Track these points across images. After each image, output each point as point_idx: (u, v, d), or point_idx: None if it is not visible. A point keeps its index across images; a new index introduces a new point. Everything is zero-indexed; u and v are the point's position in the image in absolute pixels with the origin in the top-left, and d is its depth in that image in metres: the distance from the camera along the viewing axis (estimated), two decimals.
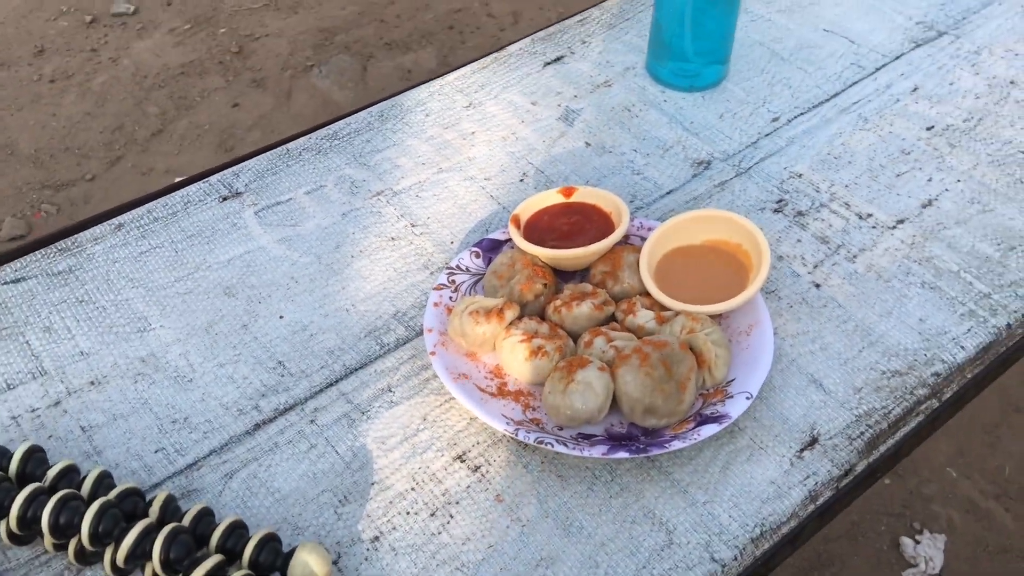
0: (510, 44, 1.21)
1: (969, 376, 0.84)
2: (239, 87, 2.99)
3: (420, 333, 0.87)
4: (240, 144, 2.78)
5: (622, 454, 0.74)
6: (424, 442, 0.80)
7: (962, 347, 0.85)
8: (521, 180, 1.02)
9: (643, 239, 0.92)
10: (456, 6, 3.25)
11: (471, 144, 1.07)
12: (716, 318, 0.84)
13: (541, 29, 1.24)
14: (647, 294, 0.85)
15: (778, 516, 0.75)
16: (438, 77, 1.16)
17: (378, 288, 0.92)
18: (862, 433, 0.80)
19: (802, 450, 0.78)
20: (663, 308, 0.84)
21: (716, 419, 0.76)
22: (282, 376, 0.85)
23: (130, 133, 2.87)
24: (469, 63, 1.18)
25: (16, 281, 0.93)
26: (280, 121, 2.83)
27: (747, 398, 0.77)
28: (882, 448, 0.79)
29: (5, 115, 2.95)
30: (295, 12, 3.29)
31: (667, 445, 0.74)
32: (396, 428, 0.81)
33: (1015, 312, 0.88)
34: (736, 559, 0.72)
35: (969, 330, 0.87)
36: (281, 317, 0.90)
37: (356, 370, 0.85)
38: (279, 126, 2.81)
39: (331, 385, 0.84)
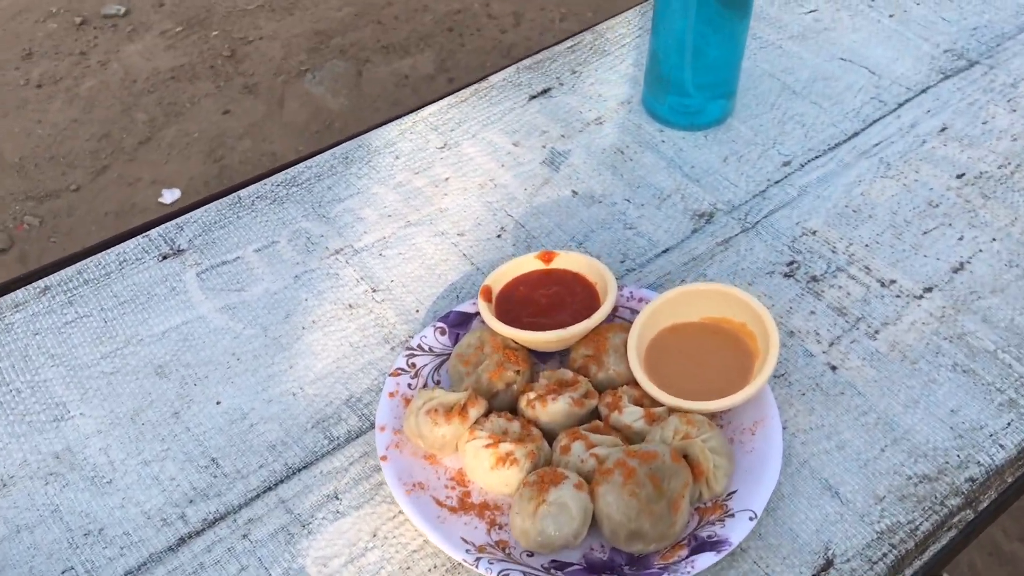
0: (492, 74, 1.09)
1: (1010, 480, 0.73)
2: (230, 93, 2.88)
3: (374, 425, 0.76)
4: (230, 153, 2.68)
5: None
6: (373, 565, 0.68)
7: (1001, 445, 0.74)
8: (499, 236, 0.91)
9: (633, 312, 0.80)
10: (455, 7, 3.12)
11: (444, 192, 0.95)
12: (716, 415, 0.72)
13: (533, 53, 1.12)
14: (636, 383, 0.73)
15: None
16: (411, 112, 1.05)
17: (330, 367, 0.81)
18: (885, 555, 0.68)
19: (816, 575, 0.67)
20: (653, 402, 0.72)
21: (714, 545, 0.64)
22: (215, 477, 0.74)
23: (117, 141, 2.77)
24: (447, 96, 1.07)
25: None
26: (272, 129, 2.72)
27: (751, 518, 0.66)
28: (908, 572, 0.68)
29: None
30: (290, 13, 3.17)
31: None
32: (341, 546, 0.70)
33: None
34: None
35: (1009, 424, 0.75)
36: (218, 403, 0.79)
37: (299, 471, 0.74)
38: (270, 135, 2.70)
39: (269, 490, 0.73)
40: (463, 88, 1.08)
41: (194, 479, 0.74)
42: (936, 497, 0.71)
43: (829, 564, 0.68)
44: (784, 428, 0.75)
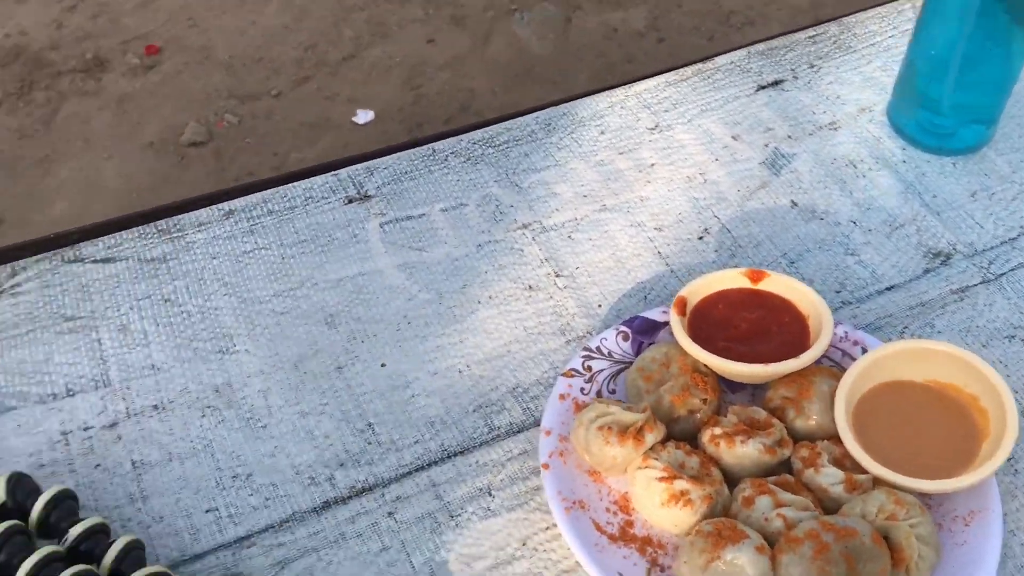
0: (719, 55, 1.00)
1: None
2: (437, 22, 2.86)
3: (538, 422, 0.71)
4: (428, 83, 2.67)
5: None
6: (521, 572, 0.64)
7: None
8: (700, 238, 0.83)
9: (844, 355, 0.71)
10: None
11: (647, 179, 0.88)
12: (926, 497, 0.63)
13: (767, 38, 1.02)
14: (839, 440, 0.65)
15: None
16: (622, 85, 0.97)
17: (500, 349, 0.76)
18: None
19: None
20: (857, 466, 0.64)
21: None
22: (368, 443, 0.71)
23: (322, 53, 2.80)
24: (665, 71, 0.98)
25: (106, 261, 0.82)
26: (472, 65, 2.69)
27: None
28: None
29: (209, 17, 2.94)
30: None
31: None
32: (488, 547, 0.65)
33: None
34: None
35: None
36: (383, 365, 0.75)
37: (455, 455, 0.70)
38: (471, 71, 2.68)
39: (422, 469, 0.69)
40: (685, 66, 0.99)
41: (348, 441, 0.71)
42: None
43: None
44: (1004, 524, 0.65)
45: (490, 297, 0.79)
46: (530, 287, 0.80)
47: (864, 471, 0.63)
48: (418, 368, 0.75)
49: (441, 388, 0.74)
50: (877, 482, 0.62)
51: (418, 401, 0.73)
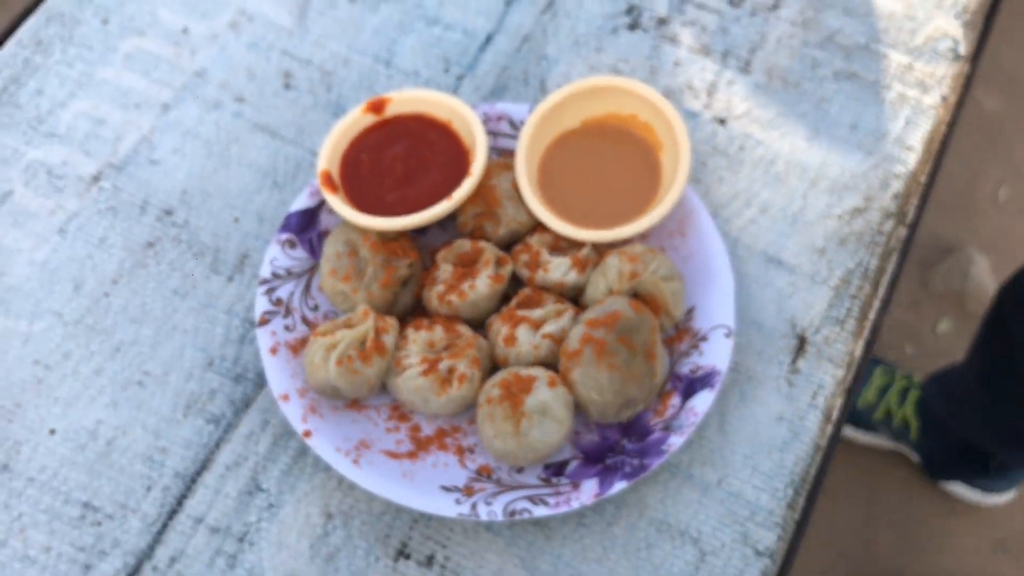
0: None
1: (924, 180, 0.70)
2: None
3: (257, 384, 0.62)
4: None
5: (620, 484, 0.55)
6: (340, 545, 0.58)
7: (908, 147, 0.70)
8: (287, 86, 0.72)
9: (499, 136, 0.67)
10: None
11: (191, 49, 0.74)
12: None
13: None
14: (543, 227, 0.62)
15: (802, 458, 0.60)
16: None
17: (164, 331, 0.64)
18: (849, 309, 0.64)
19: (795, 359, 0.63)
20: (572, 243, 0.62)
21: (704, 380, 0.58)
22: (98, 524, 0.58)
23: None
24: None
25: None
26: None
27: (726, 334, 0.59)
28: (871, 314, 0.65)
29: None
30: None
31: (665, 447, 0.56)
32: (294, 540, 0.58)
33: (942, 78, 0.72)
34: (781, 537, 0.58)
35: (908, 122, 0.71)
36: (52, 431, 0.61)
37: (198, 475, 0.60)
38: None
39: (174, 514, 0.59)
40: None
41: (74, 538, 0.58)
42: (871, 226, 0.67)
43: (803, 341, 0.63)
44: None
45: (110, 280, 0.65)
46: (149, 243, 0.67)
47: (579, 244, 0.61)
48: (92, 409, 0.61)
49: (129, 419, 0.61)
50: (596, 246, 0.61)
51: (117, 444, 0.61)
